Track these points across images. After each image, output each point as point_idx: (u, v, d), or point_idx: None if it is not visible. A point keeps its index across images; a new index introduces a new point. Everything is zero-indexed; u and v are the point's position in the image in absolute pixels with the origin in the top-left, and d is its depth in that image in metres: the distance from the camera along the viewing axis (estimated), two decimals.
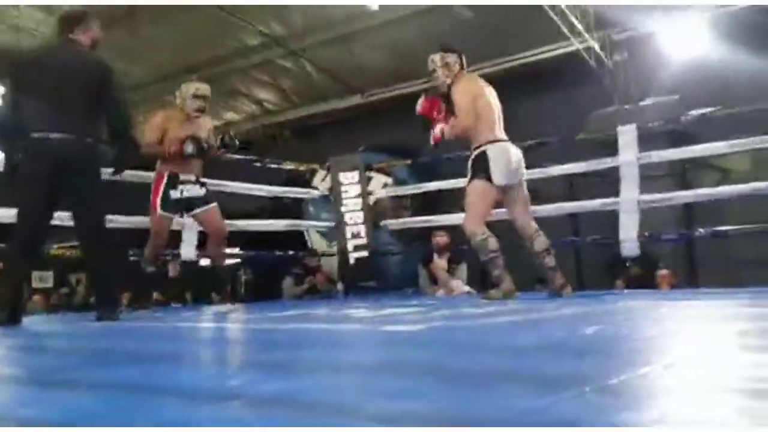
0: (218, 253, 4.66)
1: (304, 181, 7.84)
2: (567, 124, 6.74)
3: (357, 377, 1.33)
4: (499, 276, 3.88)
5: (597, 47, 7.89)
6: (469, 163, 4.03)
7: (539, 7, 7.12)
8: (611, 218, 4.95)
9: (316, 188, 7.03)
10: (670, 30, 7.49)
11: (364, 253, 6.02)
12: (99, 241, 3.23)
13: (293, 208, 8.55)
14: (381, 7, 8.11)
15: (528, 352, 1.60)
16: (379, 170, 7.71)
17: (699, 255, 7.21)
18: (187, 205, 4.48)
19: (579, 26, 7.57)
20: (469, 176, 4.01)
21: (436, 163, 7.09)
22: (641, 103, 7.69)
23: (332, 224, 6.35)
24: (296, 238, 8.27)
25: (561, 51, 8.08)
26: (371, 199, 6.31)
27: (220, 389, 1.21)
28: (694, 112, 4.73)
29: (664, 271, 6.00)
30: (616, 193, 4.83)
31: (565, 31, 7.46)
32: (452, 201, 7.27)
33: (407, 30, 8.59)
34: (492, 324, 2.35)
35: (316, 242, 8.80)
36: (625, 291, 5.33)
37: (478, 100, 4.00)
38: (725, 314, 2.51)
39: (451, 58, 4.19)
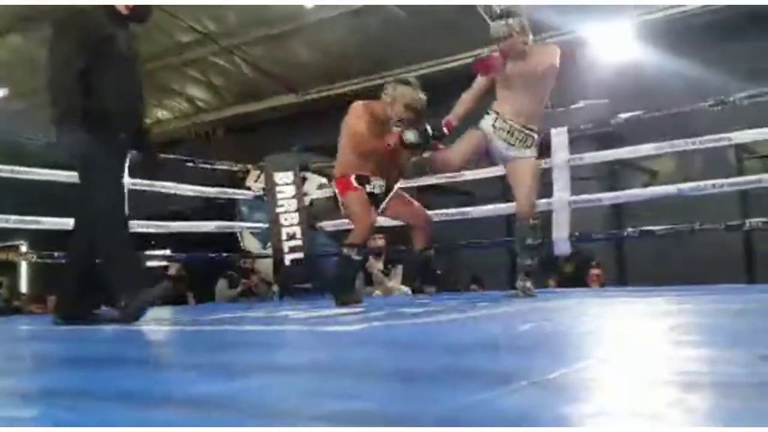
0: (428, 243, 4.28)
1: (237, 181, 7.71)
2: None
3: (296, 378, 1.30)
4: (533, 266, 3.68)
5: None
6: (534, 141, 3.75)
7: (473, 9, 7.21)
8: (544, 218, 5.05)
9: (249, 189, 6.91)
10: (600, 35, 7.71)
11: (300, 255, 5.96)
12: None
13: (226, 209, 8.39)
14: (315, 6, 8.06)
15: (467, 349, 1.60)
16: (316, 171, 7.65)
17: (628, 254, 7.45)
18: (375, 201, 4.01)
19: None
20: (532, 153, 3.74)
21: None
22: (573, 106, 7.88)
23: (267, 225, 6.25)
24: (230, 240, 8.12)
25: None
26: (307, 200, 6.25)
27: (155, 391, 1.16)
28: (623, 115, 4.87)
29: (595, 270, 6.17)
30: (549, 194, 4.93)
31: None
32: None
33: (342, 29, 8.57)
34: (430, 323, 2.35)
35: (250, 244, 8.66)
36: (558, 289, 5.44)
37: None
38: (655, 311, 2.58)
39: (527, 21, 3.71)
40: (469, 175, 5.26)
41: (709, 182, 4.32)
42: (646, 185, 7.06)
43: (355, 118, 3.87)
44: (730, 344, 1.50)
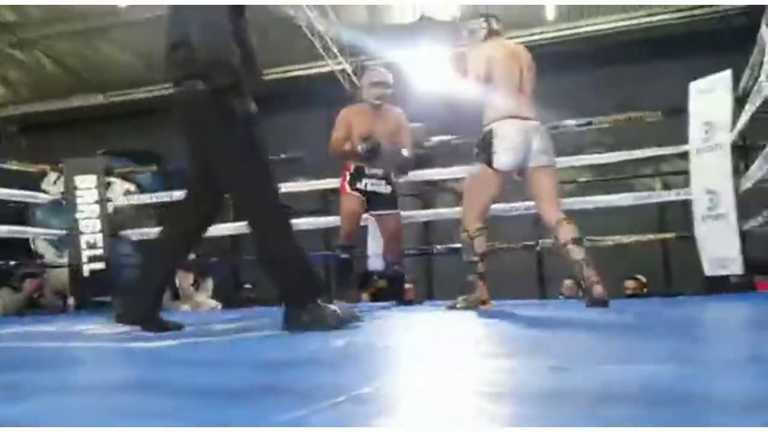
0: (399, 260, 4.39)
1: (33, 183, 7.05)
2: (323, 141, 6.90)
3: (97, 398, 1.19)
4: (472, 283, 3.34)
5: (350, 70, 8.23)
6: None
7: (298, 26, 7.25)
8: (360, 233, 5.16)
9: (45, 192, 6.35)
10: (418, 61, 8.02)
11: (101, 265, 5.56)
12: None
13: (18, 213, 7.64)
14: (129, 5, 7.65)
15: (282, 365, 1.57)
16: (121, 176, 7.22)
17: (436, 270, 7.82)
18: (369, 199, 4.16)
19: (333, 48, 7.83)
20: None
21: (184, 170, 6.83)
22: None
23: (64, 232, 5.77)
24: (20, 247, 7.40)
25: (317, 71, 8.30)
26: (110, 207, 5.87)
27: None
28: (435, 139, 5.11)
29: (406, 285, 6.39)
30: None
31: (321, 50, 7.67)
32: None
33: (157, 32, 8.19)
34: (243, 338, 2.28)
35: (44, 251, 7.96)
36: (372, 304, 5.56)
37: (491, 67, 3.36)
38: (462, 324, 2.71)
39: (475, 24, 3.59)
40: (289, 187, 5.25)
41: (508, 205, 4.66)
42: (454, 206, 7.47)
43: (336, 123, 4.22)
44: (527, 355, 1.61)
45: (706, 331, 2.24)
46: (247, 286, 7.72)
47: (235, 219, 5.73)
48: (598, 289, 3.06)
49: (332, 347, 1.88)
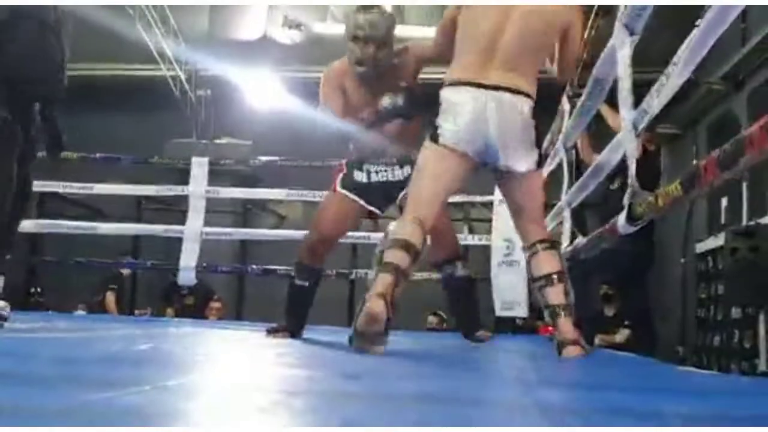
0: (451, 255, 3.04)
1: None
2: (142, 145, 6.69)
3: None
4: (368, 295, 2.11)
5: (183, 78, 8.08)
6: None
7: (134, 23, 7.02)
8: (173, 245, 5.06)
9: None
10: (249, 78, 8.04)
11: None
12: None
13: None
14: None
15: (86, 362, 1.57)
16: None
17: (248, 290, 7.79)
18: (383, 194, 2.93)
19: (169, 53, 7.67)
20: None
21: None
22: (217, 141, 8.07)
23: None
24: None
25: (148, 73, 8.02)
26: None
27: None
28: (263, 158, 5.19)
29: (215, 304, 6.33)
30: (182, 221, 4.97)
31: (155, 54, 7.47)
32: None
33: None
34: (41, 339, 2.20)
35: None
36: (176, 319, 5.44)
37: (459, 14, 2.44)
38: (266, 341, 2.80)
39: None
40: (98, 188, 5.04)
41: None
42: (274, 227, 7.55)
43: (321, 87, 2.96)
44: (320, 366, 1.74)
45: (477, 358, 2.53)
46: (37, 290, 7.13)
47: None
48: (570, 351, 2.25)
49: (136, 350, 1.90)
